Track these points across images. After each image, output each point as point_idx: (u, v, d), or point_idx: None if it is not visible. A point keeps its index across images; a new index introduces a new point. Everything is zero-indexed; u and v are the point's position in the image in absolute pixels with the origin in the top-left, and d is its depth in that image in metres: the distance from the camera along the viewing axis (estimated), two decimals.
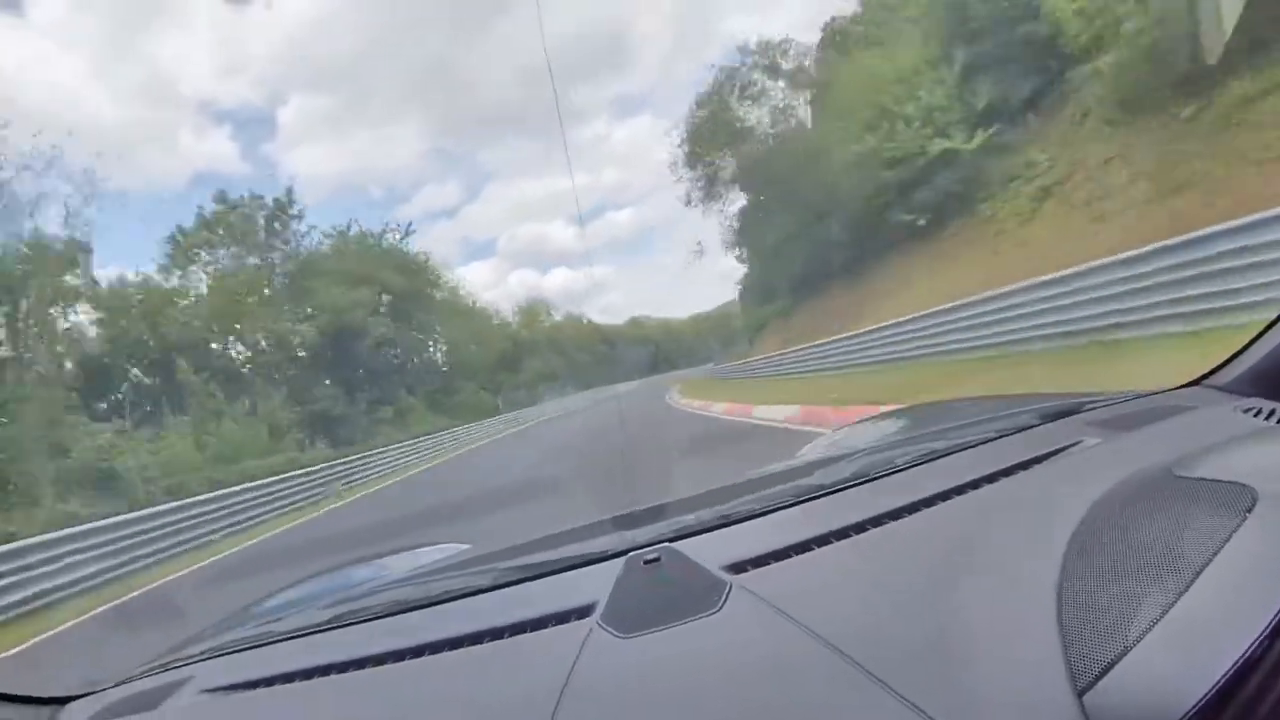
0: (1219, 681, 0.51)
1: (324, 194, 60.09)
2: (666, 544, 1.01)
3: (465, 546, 1.66)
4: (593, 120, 69.17)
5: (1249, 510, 0.64)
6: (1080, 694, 0.55)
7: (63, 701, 1.12)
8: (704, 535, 1.04)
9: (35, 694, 1.12)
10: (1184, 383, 1.30)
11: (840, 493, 1.09)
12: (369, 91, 52.24)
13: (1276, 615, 0.53)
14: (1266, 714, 0.52)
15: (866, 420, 2.03)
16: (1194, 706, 0.50)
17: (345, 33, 49.83)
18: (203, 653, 1.16)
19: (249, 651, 1.13)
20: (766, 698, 0.65)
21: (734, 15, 71.30)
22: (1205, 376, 1.26)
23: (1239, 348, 1.18)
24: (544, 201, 66.71)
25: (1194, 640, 0.55)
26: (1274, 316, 1.10)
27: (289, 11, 49.40)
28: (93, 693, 1.14)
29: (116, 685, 1.15)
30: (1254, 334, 1.15)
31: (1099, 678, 0.55)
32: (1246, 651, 0.51)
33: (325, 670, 0.94)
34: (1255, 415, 1.01)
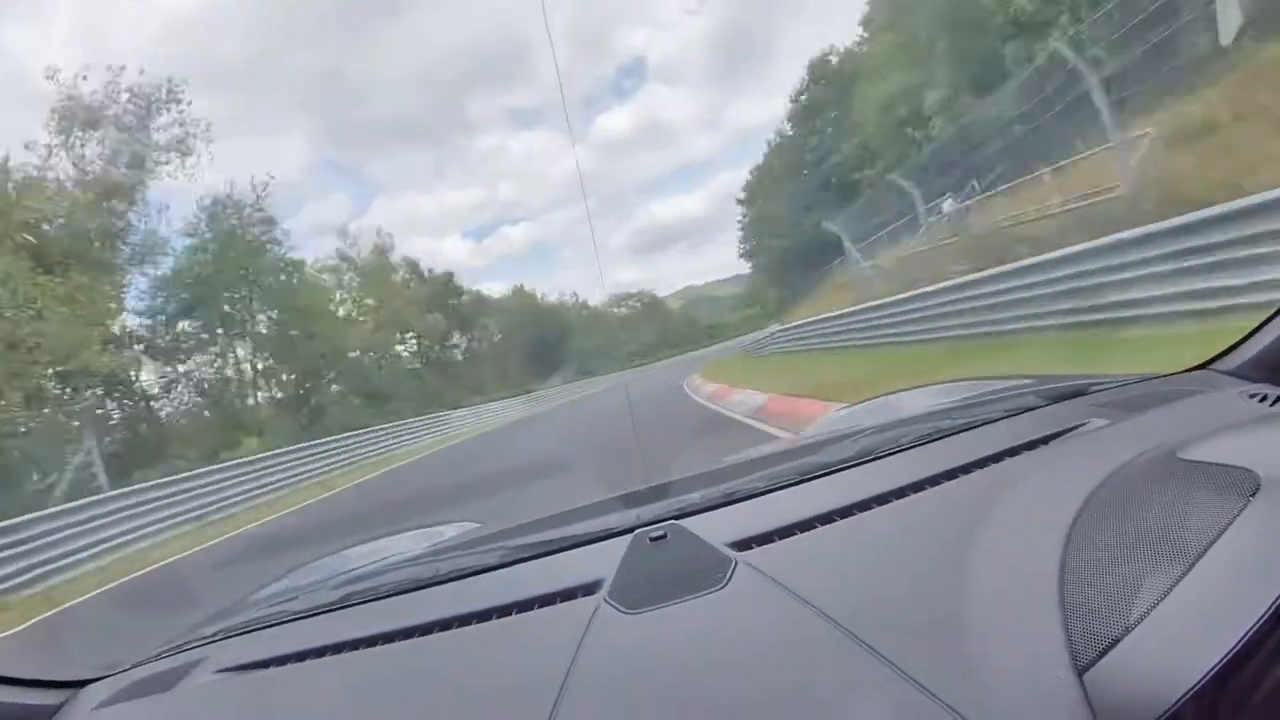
0: (1218, 663, 0.51)
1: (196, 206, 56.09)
2: (673, 521, 1.02)
3: (474, 524, 1.67)
4: (488, 132, 63.68)
5: (1252, 495, 0.65)
6: (1081, 672, 0.56)
7: (80, 684, 1.14)
8: (710, 513, 1.05)
9: (52, 678, 1.14)
10: (1190, 366, 1.30)
11: (845, 471, 1.10)
12: (251, 97, 47.03)
13: (1277, 599, 0.53)
14: (1265, 696, 0.53)
15: (872, 399, 2.03)
16: (1193, 687, 0.51)
17: (226, 32, 45.51)
18: (217, 633, 1.18)
19: (262, 631, 1.14)
20: (771, 673, 0.66)
21: (631, 30, 69.27)
22: (1212, 361, 1.25)
23: (1246, 332, 1.18)
24: (438, 216, 62.32)
25: (1195, 622, 0.56)
26: None
27: (161, 5, 42.32)
28: (109, 675, 1.16)
29: (133, 667, 1.17)
30: (1262, 319, 1.15)
31: (1100, 657, 0.56)
32: (1246, 634, 0.52)
33: (337, 649, 0.96)
34: (1261, 401, 1.01)
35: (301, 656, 0.98)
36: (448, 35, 59.65)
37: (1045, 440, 1.03)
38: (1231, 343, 1.22)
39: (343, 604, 1.13)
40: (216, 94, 47.80)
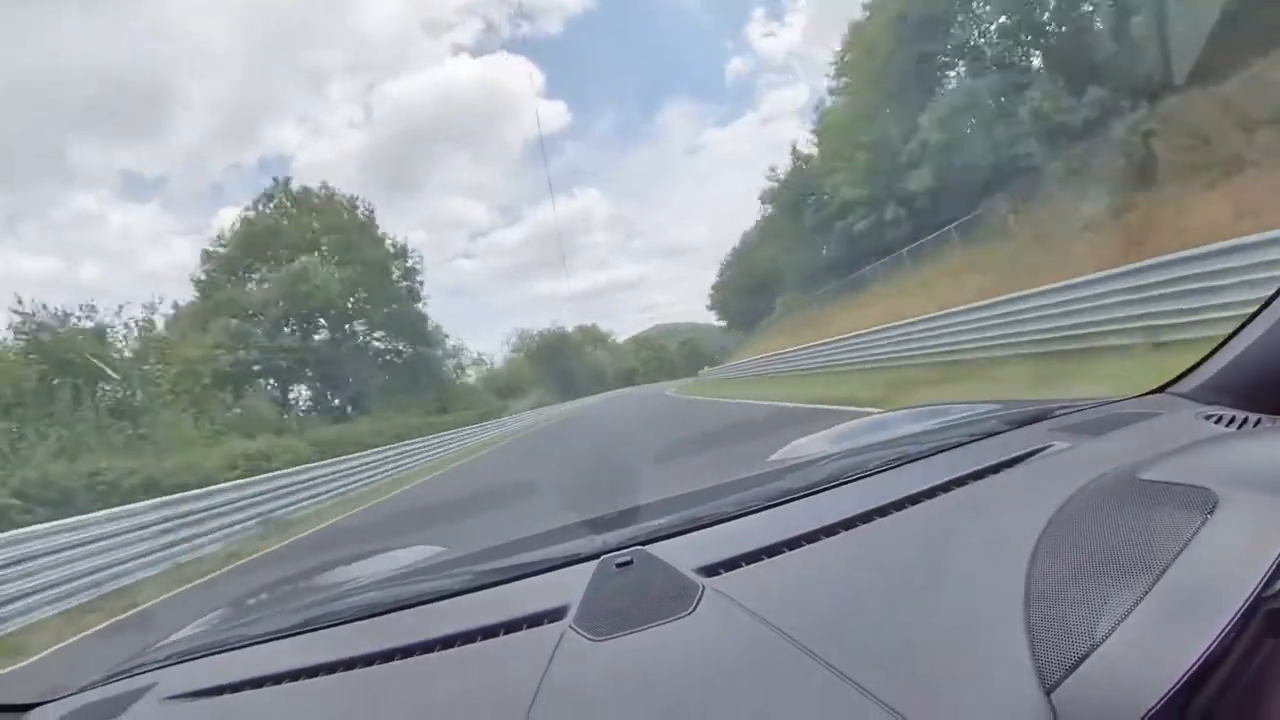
0: (1182, 677, 0.52)
1: None
2: (639, 547, 1.01)
3: (439, 549, 1.64)
4: (87, 188, 45.74)
5: (1210, 513, 0.66)
6: (1049, 691, 0.56)
7: (24, 709, 1.10)
8: (677, 538, 1.04)
9: None
10: (1149, 390, 1.33)
11: (811, 497, 1.10)
12: None
13: (1238, 613, 0.54)
14: (1229, 708, 0.54)
15: (838, 425, 2.05)
16: (1159, 702, 0.51)
17: None
18: (168, 658, 1.14)
19: (215, 656, 1.11)
20: (739, 699, 0.65)
21: (287, 125, 59.99)
22: (1170, 384, 1.29)
23: (1201, 357, 1.22)
24: None
25: (1159, 638, 0.56)
26: (1234, 328, 1.13)
27: None
28: (55, 700, 1.12)
29: (78, 692, 1.13)
30: (1216, 344, 1.19)
31: (1066, 675, 0.56)
32: (1209, 648, 0.53)
33: (294, 675, 0.93)
34: (1217, 422, 1.03)
35: (257, 683, 0.94)
36: (73, 47, 40.02)
37: (1009, 464, 1.04)
38: (1188, 367, 1.25)
39: (301, 629, 1.09)
40: None
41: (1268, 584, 0.56)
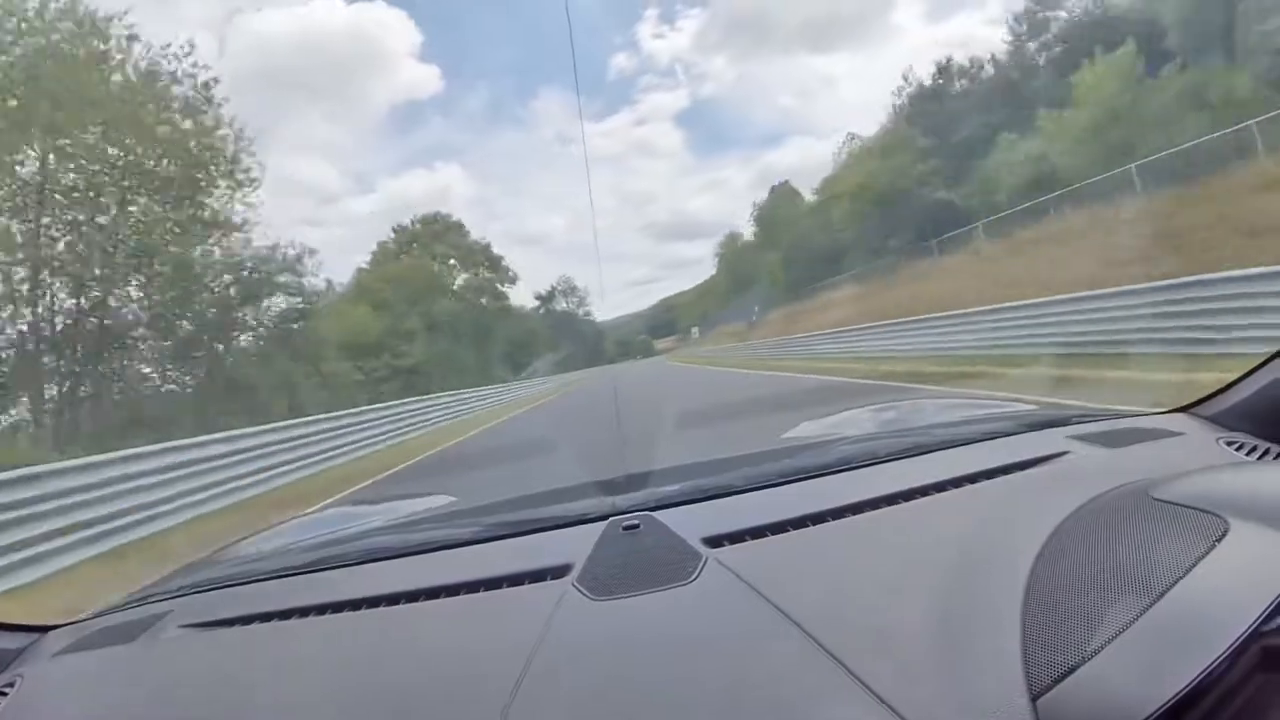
0: (1168, 702, 0.52)
1: None
2: (647, 512, 1.03)
3: (451, 498, 1.67)
4: None
5: (1219, 540, 0.65)
6: (1034, 697, 0.56)
7: (44, 629, 1.14)
8: (685, 507, 1.05)
9: (17, 622, 1.14)
10: (1172, 408, 1.31)
11: (822, 478, 1.10)
12: None
13: (1233, 645, 0.54)
14: None
15: (855, 409, 2.04)
16: None
17: None
18: (183, 588, 1.18)
19: (228, 589, 1.14)
20: (730, 669, 0.66)
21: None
22: (1193, 405, 1.27)
23: (1229, 381, 1.20)
24: None
25: (1151, 659, 0.56)
26: (1266, 355, 1.11)
27: None
28: (73, 622, 1.16)
29: (96, 616, 1.17)
30: (1245, 370, 1.16)
31: (1054, 684, 0.57)
32: (1200, 675, 0.53)
33: (303, 612, 0.96)
34: (1237, 449, 1.02)
35: (266, 617, 0.97)
36: None
37: (1022, 466, 1.04)
38: (1214, 389, 1.23)
39: (311, 568, 1.13)
40: None
41: (1267, 619, 0.55)
